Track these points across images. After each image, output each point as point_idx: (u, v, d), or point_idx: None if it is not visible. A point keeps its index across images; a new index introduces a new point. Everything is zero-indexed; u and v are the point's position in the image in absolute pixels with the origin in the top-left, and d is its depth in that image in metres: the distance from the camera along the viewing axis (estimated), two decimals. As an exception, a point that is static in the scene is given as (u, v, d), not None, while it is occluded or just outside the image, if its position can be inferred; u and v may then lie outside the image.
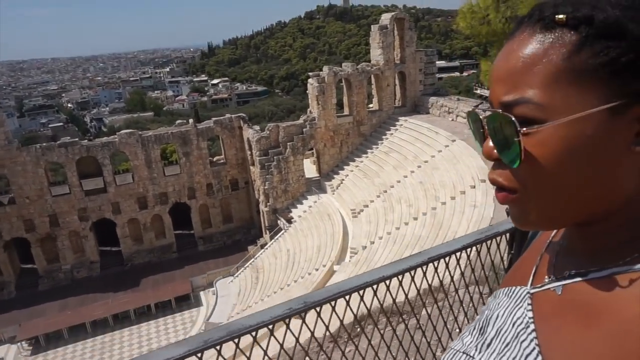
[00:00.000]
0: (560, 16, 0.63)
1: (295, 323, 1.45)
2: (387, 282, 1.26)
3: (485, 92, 28.88)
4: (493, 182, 0.72)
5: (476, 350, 0.81)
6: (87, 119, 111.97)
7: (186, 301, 32.13)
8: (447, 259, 1.38)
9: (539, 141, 0.63)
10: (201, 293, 31.81)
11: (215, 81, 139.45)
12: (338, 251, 24.76)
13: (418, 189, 25.80)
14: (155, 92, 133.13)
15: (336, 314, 1.24)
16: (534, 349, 0.69)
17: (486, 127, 0.71)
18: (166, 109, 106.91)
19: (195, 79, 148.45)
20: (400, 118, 33.69)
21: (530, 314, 0.74)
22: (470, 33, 9.56)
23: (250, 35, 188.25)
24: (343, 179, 32.05)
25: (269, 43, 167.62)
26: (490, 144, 0.70)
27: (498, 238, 1.42)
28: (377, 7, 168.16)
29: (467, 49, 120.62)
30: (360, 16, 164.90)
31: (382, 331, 1.87)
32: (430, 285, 1.74)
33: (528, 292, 0.79)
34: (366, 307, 1.53)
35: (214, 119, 37.91)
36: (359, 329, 5.41)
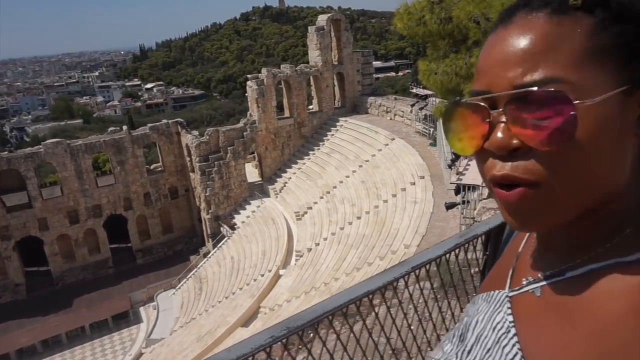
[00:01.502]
0: (577, 1, 0.62)
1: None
2: (371, 296, 1.17)
3: (422, 91, 29.84)
4: (506, 178, 0.62)
5: (457, 358, 0.80)
6: (7, 128, 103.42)
7: (125, 319, 30.39)
8: (427, 266, 1.32)
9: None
10: (141, 309, 30.21)
11: (149, 85, 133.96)
12: (283, 255, 24.61)
13: (360, 188, 26.24)
14: (84, 98, 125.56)
15: (317, 332, 1.13)
16: (516, 353, 0.68)
17: (505, 113, 0.62)
18: (97, 115, 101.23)
19: (127, 84, 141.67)
20: (340, 118, 34.13)
21: (510, 318, 0.73)
22: (408, 34, 9.80)
23: (184, 37, 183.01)
24: (286, 182, 31.91)
25: (204, 45, 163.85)
26: (499, 133, 0.62)
27: (475, 240, 1.40)
28: (313, 8, 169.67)
29: (401, 50, 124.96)
30: (296, 17, 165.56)
31: (338, 333, 1.79)
32: (395, 287, 1.68)
33: (507, 296, 0.77)
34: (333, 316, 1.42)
35: (149, 125, 36.30)
36: (312, 334, 5.31)
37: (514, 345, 0.68)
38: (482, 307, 0.81)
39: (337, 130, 33.42)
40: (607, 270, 0.62)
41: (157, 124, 35.96)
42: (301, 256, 24.04)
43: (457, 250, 1.40)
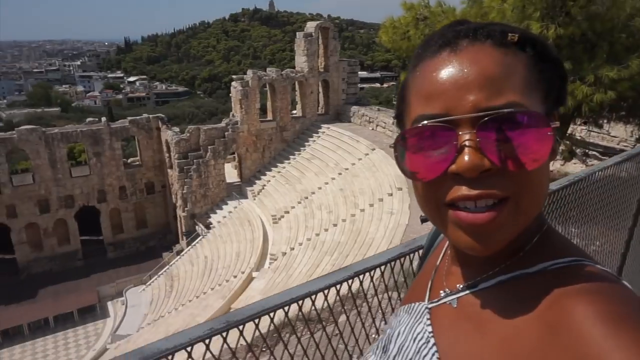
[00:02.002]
0: (514, 35, 0.67)
1: (216, 339, 1.38)
2: (313, 296, 1.23)
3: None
4: (480, 197, 0.63)
5: None
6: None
7: (91, 312, 29.65)
8: (372, 272, 1.40)
9: None
10: (109, 303, 29.53)
11: (132, 78, 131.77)
12: (257, 258, 24.49)
13: (338, 195, 26.36)
14: (64, 86, 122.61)
15: (258, 330, 1.19)
16: None
17: (475, 136, 0.62)
18: (75, 105, 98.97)
19: (110, 75, 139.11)
20: (322, 125, 34.27)
21: (429, 329, 0.76)
22: (392, 47, 10.02)
23: (171, 33, 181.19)
24: (265, 185, 31.82)
25: (191, 43, 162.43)
26: (468, 155, 0.62)
27: (420, 251, 1.48)
28: (303, 14, 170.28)
29: (387, 62, 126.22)
30: (285, 22, 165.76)
31: (300, 338, 1.84)
32: (352, 294, 1.75)
33: (426, 308, 0.81)
34: (287, 317, 1.49)
35: (129, 118, 35.70)
36: (276, 337, 5.35)
37: (433, 354, 0.71)
38: (404, 319, 0.84)
39: (319, 136, 33.54)
40: (514, 281, 0.69)
41: (138, 117, 35.42)
42: (275, 260, 23.97)
43: (402, 259, 1.48)
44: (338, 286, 1.32)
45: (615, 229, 3.33)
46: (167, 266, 30.35)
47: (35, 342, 27.40)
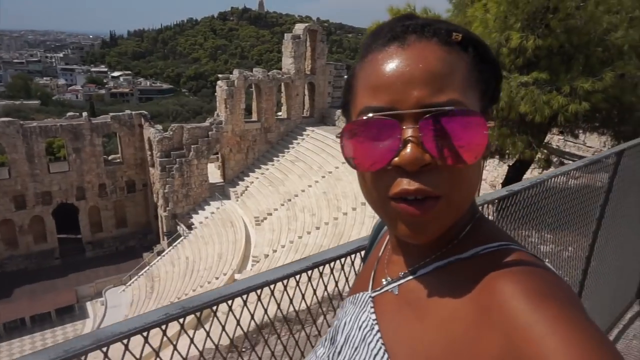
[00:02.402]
0: (458, 35, 0.70)
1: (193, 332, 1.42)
2: (272, 287, 1.28)
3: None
4: (419, 192, 0.66)
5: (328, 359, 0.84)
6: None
7: (70, 313, 29.02)
8: (332, 264, 1.44)
9: None
10: (87, 304, 28.99)
11: (116, 74, 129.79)
12: (240, 259, 24.36)
13: (321, 198, 26.42)
14: (45, 78, 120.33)
15: (217, 317, 1.23)
16: (380, 348, 0.73)
17: (421, 131, 0.65)
18: (56, 98, 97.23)
19: (93, 69, 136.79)
20: (307, 128, 34.33)
21: (373, 317, 0.79)
22: (375, 52, 10.19)
23: (158, 29, 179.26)
24: (248, 186, 31.70)
25: (178, 40, 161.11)
26: (410, 149, 0.65)
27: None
28: (292, 16, 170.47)
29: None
30: (274, 23, 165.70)
31: (277, 339, 1.88)
32: (329, 294, 1.80)
33: (370, 297, 0.84)
34: (246, 306, 1.53)
35: (111, 114, 35.18)
36: (258, 337, 5.36)
37: (377, 340, 0.74)
38: (350, 310, 0.87)
39: (304, 139, 33.58)
40: (449, 267, 0.73)
41: (120, 114, 34.89)
42: (258, 262, 23.87)
43: (362, 253, 1.52)
44: (297, 277, 1.36)
45: (580, 234, 3.45)
46: (148, 267, 29.95)
47: (12, 342, 26.64)
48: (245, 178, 32.56)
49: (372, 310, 0.81)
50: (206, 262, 26.06)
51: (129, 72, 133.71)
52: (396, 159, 0.66)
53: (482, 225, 0.79)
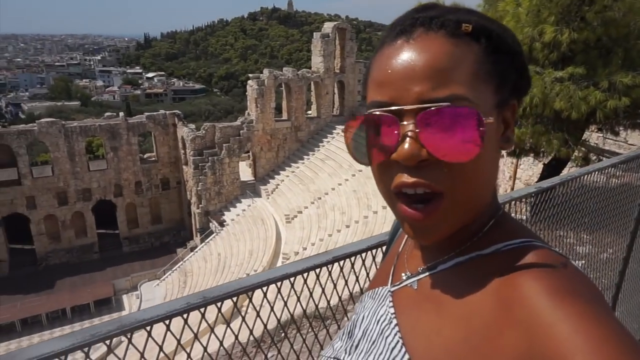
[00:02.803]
0: (468, 26, 0.68)
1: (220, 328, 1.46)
2: (292, 279, 1.30)
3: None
4: (415, 185, 0.67)
5: (346, 353, 0.84)
6: (2, 103, 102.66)
7: (107, 305, 30.18)
8: (352, 258, 1.45)
9: None
10: (124, 297, 30.07)
11: (150, 74, 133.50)
12: (270, 256, 24.61)
13: (351, 197, 26.36)
14: (84, 80, 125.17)
15: (236, 307, 1.26)
16: (397, 341, 0.73)
17: (418, 126, 0.65)
18: (95, 99, 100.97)
19: (128, 70, 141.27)
20: (337, 126, 34.30)
21: (392, 311, 0.80)
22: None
23: (190, 30, 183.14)
24: (278, 184, 31.99)
25: (209, 40, 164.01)
26: (408, 144, 0.65)
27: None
28: (321, 15, 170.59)
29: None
30: (303, 22, 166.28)
31: (304, 336, 1.91)
32: (350, 292, 1.80)
33: (389, 291, 0.84)
34: (266, 298, 1.55)
35: (146, 114, 36.25)
36: (283, 334, 5.43)
37: (395, 334, 0.74)
38: (368, 304, 0.87)
39: (334, 137, 33.58)
40: (470, 262, 0.73)
41: (155, 113, 35.93)
42: (288, 259, 24.04)
43: (383, 248, 1.52)
44: (318, 271, 1.38)
45: (617, 234, 3.32)
46: (181, 262, 30.71)
47: (53, 332, 27.97)
48: (275, 176, 32.87)
49: (391, 304, 0.81)
50: (237, 258, 26.46)
51: (163, 73, 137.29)
52: (394, 154, 0.67)
53: (504, 222, 0.78)
